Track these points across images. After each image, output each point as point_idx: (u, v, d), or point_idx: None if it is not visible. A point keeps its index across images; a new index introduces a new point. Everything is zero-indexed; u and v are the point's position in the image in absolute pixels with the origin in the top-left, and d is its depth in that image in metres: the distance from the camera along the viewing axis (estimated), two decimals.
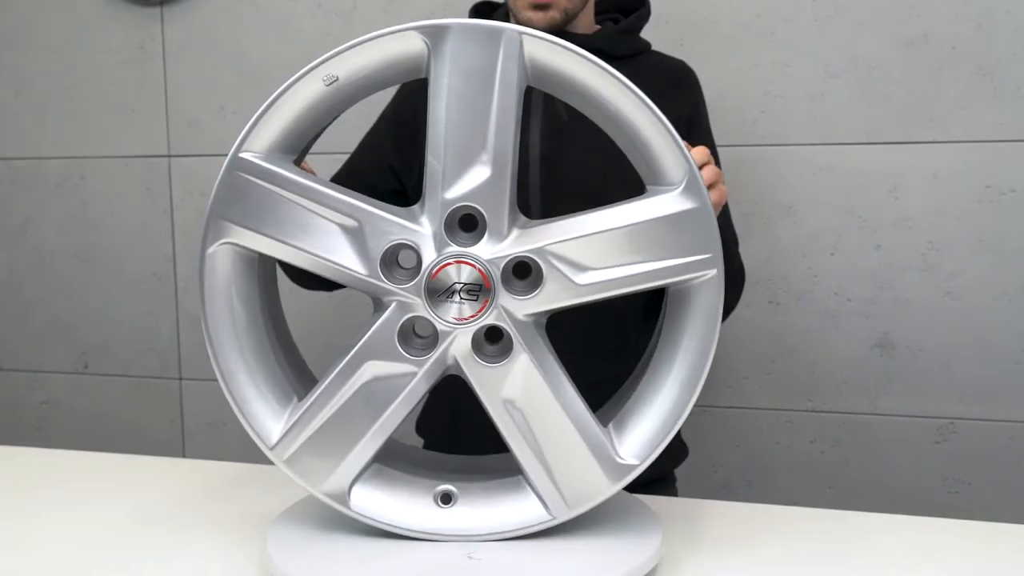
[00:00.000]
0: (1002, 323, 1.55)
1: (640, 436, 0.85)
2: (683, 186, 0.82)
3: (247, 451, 1.93)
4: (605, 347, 1.19)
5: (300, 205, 0.83)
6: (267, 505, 1.02)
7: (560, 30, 1.19)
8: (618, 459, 0.84)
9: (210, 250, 0.85)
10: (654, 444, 0.84)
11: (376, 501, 0.87)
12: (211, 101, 1.87)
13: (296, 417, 0.85)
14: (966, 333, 1.56)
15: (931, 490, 1.61)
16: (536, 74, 0.82)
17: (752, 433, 1.68)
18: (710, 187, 0.94)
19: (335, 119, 0.89)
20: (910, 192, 1.56)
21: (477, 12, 1.32)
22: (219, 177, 0.84)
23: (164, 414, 1.99)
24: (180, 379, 1.97)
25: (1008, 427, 1.56)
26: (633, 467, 0.84)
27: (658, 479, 1.23)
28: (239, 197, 0.84)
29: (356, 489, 0.87)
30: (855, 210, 1.58)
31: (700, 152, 0.96)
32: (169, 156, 1.91)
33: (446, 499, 0.88)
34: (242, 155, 0.84)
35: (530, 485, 0.86)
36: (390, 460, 0.89)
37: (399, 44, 0.83)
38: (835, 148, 1.57)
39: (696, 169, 0.82)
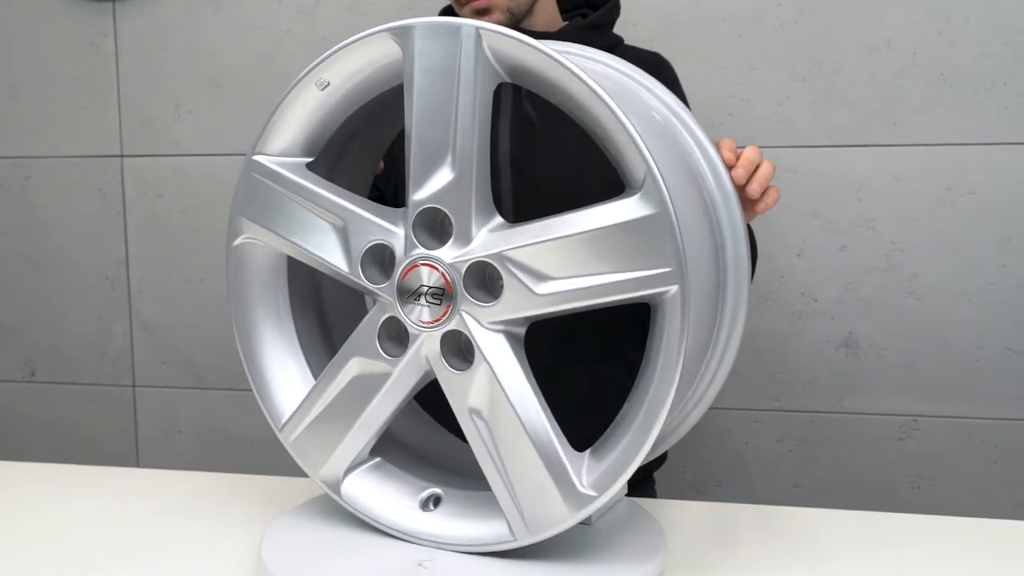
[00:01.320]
0: (962, 322, 1.58)
1: (606, 466, 0.78)
2: (642, 189, 0.72)
3: (203, 458, 1.90)
4: (586, 351, 1.18)
5: (299, 204, 0.86)
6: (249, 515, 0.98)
7: (516, 30, 1.17)
8: (579, 488, 0.77)
9: (235, 243, 0.91)
10: (614, 475, 0.76)
11: (365, 494, 0.88)
12: (166, 99, 1.81)
13: (299, 404, 0.88)
14: (927, 332, 1.60)
15: (895, 486, 1.64)
16: (511, 72, 0.79)
17: (720, 433, 1.69)
18: (743, 190, 0.87)
19: (344, 122, 0.87)
20: (874, 194, 1.59)
21: (446, 13, 1.30)
22: (238, 177, 0.90)
23: (117, 422, 1.93)
24: (134, 386, 1.91)
25: (968, 423, 1.60)
26: (591, 498, 0.77)
27: (641, 482, 1.23)
28: (253, 196, 0.89)
29: (350, 479, 0.88)
30: (821, 212, 1.60)
31: (748, 152, 0.89)
32: (122, 156, 1.85)
33: (433, 503, 0.87)
34: (255, 157, 0.88)
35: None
36: (396, 455, 0.89)
37: (377, 47, 0.82)
38: (801, 151, 1.60)
39: (655, 168, 0.71)
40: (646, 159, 0.71)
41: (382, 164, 1.10)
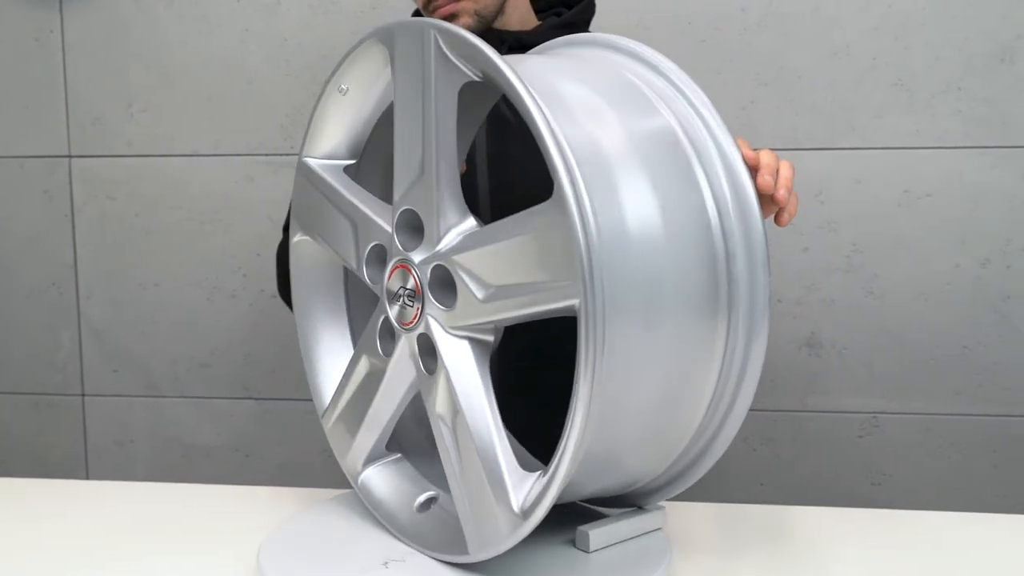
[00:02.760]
0: (918, 322, 1.63)
1: (539, 490, 0.71)
2: (553, 192, 0.66)
3: (157, 469, 1.84)
4: (558, 352, 1.17)
5: (329, 204, 0.90)
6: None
7: (488, 30, 1.17)
8: (513, 509, 0.72)
9: (293, 241, 0.97)
10: (539, 500, 0.70)
11: (377, 488, 0.91)
12: (118, 98, 1.75)
13: (332, 396, 0.95)
14: (886, 331, 1.64)
15: (855, 482, 1.68)
16: (484, 73, 0.76)
17: None
18: (764, 197, 0.79)
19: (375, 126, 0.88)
20: (835, 196, 1.62)
21: (417, 14, 1.29)
22: (294, 179, 0.96)
23: (65, 433, 1.85)
24: (83, 395, 1.84)
25: (925, 419, 1.65)
26: (518, 519, 0.72)
27: None
28: (303, 197, 0.95)
29: (368, 472, 0.92)
30: None
31: (766, 156, 0.81)
32: (70, 157, 1.78)
33: (426, 505, 0.88)
34: (304, 159, 0.93)
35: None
36: (419, 454, 0.93)
37: (379, 52, 0.83)
38: None
39: (563, 173, 0.64)
40: (552, 158, 0.65)
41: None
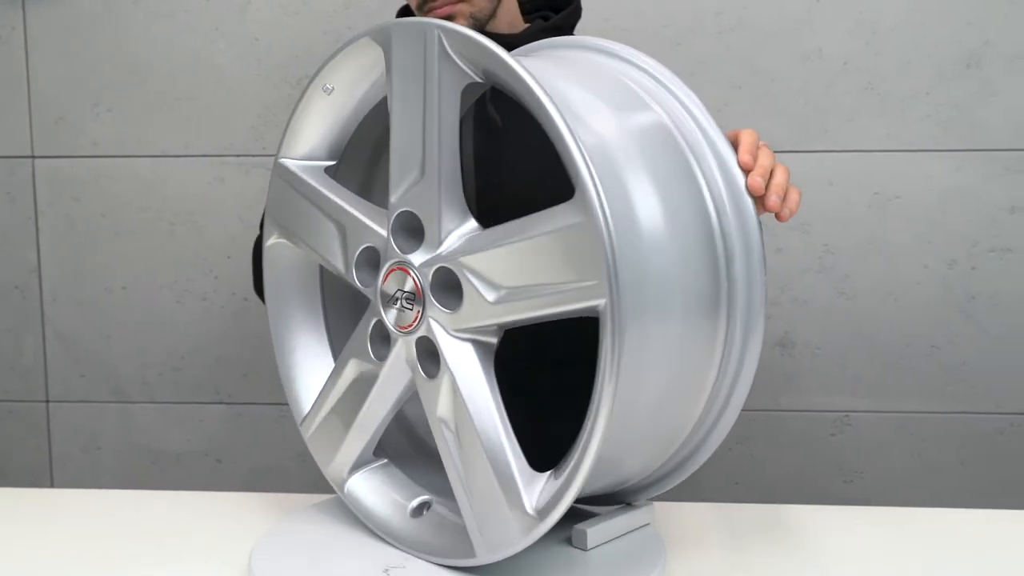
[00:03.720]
0: (888, 321, 1.66)
1: (556, 489, 0.72)
2: (574, 194, 0.68)
3: (124, 477, 1.80)
4: (553, 355, 1.17)
5: (311, 206, 0.87)
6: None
7: (479, 32, 1.17)
8: (527, 509, 0.72)
9: (267, 244, 0.95)
10: (557, 501, 0.71)
11: (365, 495, 0.90)
12: (82, 97, 1.71)
13: (313, 402, 0.92)
14: (857, 331, 1.66)
15: (828, 480, 1.70)
16: (484, 72, 0.77)
17: None
18: (756, 197, 0.79)
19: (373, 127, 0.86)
20: (808, 198, 1.63)
21: (403, 13, 1.28)
22: (269, 180, 0.93)
23: (28, 440, 1.81)
24: (47, 401, 1.79)
25: (896, 417, 1.68)
26: (534, 520, 0.73)
27: None
28: (276, 198, 0.91)
29: (355, 478, 0.91)
30: None
31: (748, 136, 0.82)
32: (33, 157, 1.73)
33: (419, 510, 0.88)
34: (280, 160, 0.91)
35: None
36: (403, 459, 0.91)
37: (367, 51, 0.81)
38: None
39: (583, 171, 0.65)
40: (575, 160, 0.65)
41: None
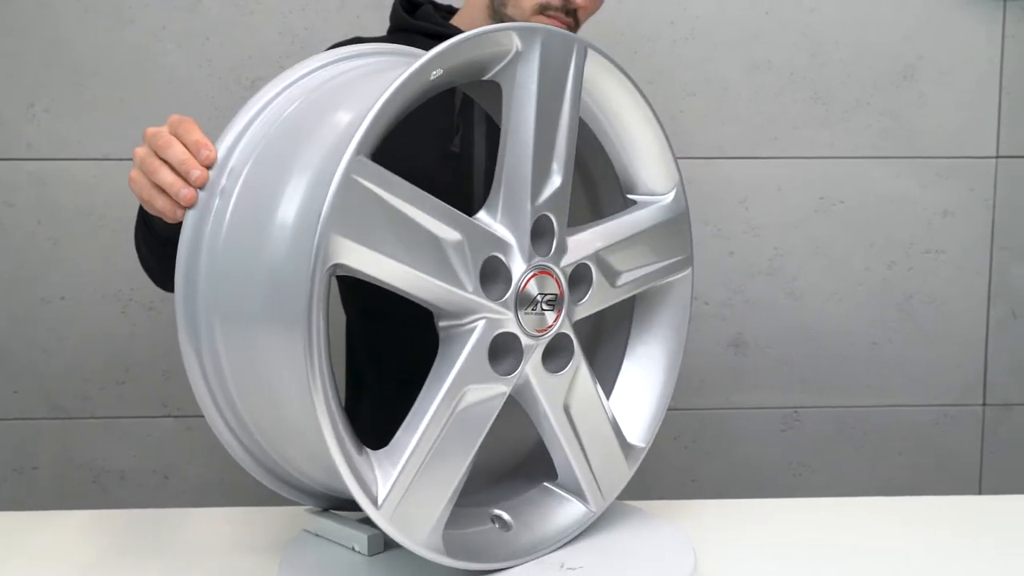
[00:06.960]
0: (833, 321, 1.74)
1: (638, 421, 0.93)
2: (673, 194, 0.93)
3: (64, 497, 1.71)
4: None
5: (402, 215, 0.71)
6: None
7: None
8: (631, 443, 0.91)
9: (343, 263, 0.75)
10: (653, 427, 0.93)
11: (453, 542, 0.77)
12: (18, 97, 1.62)
13: (400, 468, 0.72)
14: (804, 330, 1.74)
15: (779, 473, 1.77)
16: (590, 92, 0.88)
17: None
18: None
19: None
20: (758, 203, 1.71)
21: (400, 8, 1.26)
22: (337, 181, 0.68)
23: None
24: None
25: (841, 412, 1.76)
26: (642, 449, 0.92)
27: None
28: (358, 207, 0.69)
29: (447, 533, 0.77)
30: (711, 220, 1.70)
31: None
32: None
33: (500, 521, 0.86)
34: (360, 158, 0.73)
35: (566, 488, 0.88)
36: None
37: (488, 44, 0.77)
38: (692, 162, 1.68)
39: (677, 176, 0.94)
40: (679, 170, 0.94)
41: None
